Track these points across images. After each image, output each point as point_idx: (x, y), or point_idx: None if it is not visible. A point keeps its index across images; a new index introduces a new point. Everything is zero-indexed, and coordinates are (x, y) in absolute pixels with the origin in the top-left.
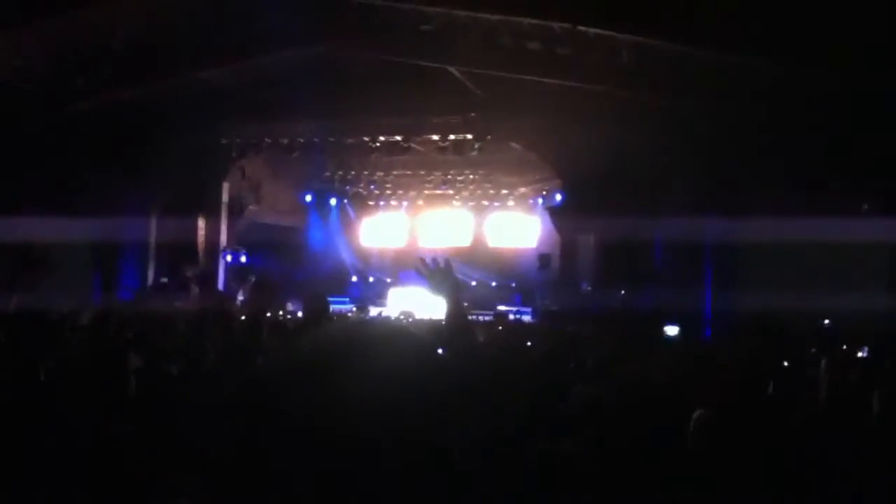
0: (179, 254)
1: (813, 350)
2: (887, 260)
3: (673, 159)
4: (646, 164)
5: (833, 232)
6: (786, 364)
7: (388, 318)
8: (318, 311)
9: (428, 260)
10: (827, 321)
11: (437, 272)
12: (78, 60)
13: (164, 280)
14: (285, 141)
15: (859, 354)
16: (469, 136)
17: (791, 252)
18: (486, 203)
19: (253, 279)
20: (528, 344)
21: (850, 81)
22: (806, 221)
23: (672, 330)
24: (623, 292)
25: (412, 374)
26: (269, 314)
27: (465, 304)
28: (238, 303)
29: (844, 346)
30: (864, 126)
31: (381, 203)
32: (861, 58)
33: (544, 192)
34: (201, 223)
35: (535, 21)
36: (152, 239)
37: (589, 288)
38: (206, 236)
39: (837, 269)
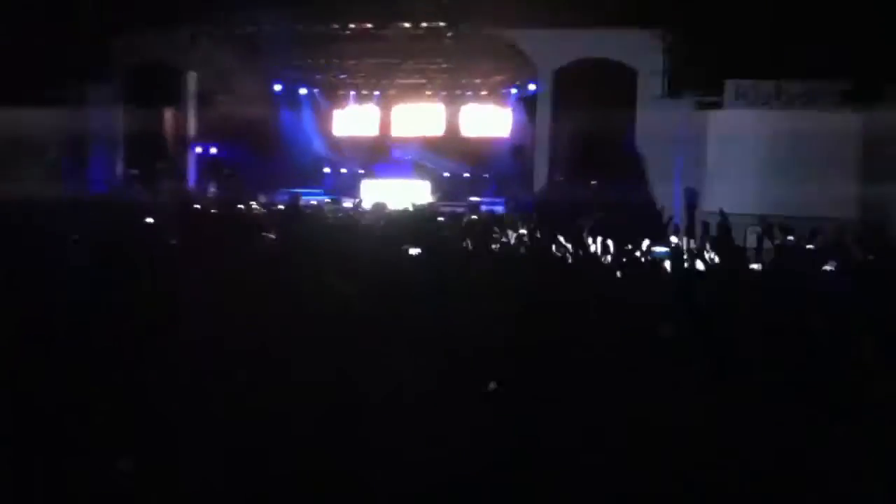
0: (149, 146)
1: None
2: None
3: (647, 46)
4: (621, 52)
5: (803, 122)
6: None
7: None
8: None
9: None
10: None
11: None
12: None
13: (135, 172)
14: (253, 29)
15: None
16: (442, 24)
17: (759, 141)
18: (459, 93)
19: (225, 172)
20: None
21: None
22: (775, 110)
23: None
24: (594, 182)
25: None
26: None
27: (439, 193)
28: (210, 195)
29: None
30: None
31: (353, 93)
32: None
33: (519, 83)
34: (169, 115)
35: None
36: (120, 132)
37: (561, 178)
38: (175, 128)
39: (806, 160)
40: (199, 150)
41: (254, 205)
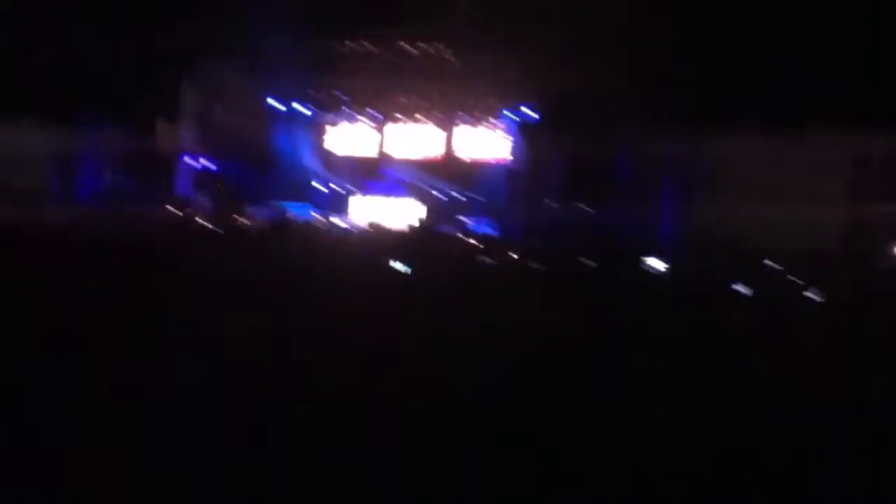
0: (143, 158)
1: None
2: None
3: (635, 78)
4: (612, 81)
5: (788, 147)
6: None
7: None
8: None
9: None
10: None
11: None
12: None
13: (127, 182)
14: (252, 45)
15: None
16: (442, 46)
17: (747, 167)
18: (456, 116)
19: (218, 184)
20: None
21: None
22: (762, 137)
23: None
24: (588, 208)
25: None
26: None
27: (431, 214)
28: (202, 206)
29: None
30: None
31: (351, 111)
32: None
33: (515, 108)
34: (164, 127)
35: None
36: (113, 145)
37: (555, 204)
38: (170, 141)
39: (793, 184)
40: (192, 162)
41: (242, 218)
